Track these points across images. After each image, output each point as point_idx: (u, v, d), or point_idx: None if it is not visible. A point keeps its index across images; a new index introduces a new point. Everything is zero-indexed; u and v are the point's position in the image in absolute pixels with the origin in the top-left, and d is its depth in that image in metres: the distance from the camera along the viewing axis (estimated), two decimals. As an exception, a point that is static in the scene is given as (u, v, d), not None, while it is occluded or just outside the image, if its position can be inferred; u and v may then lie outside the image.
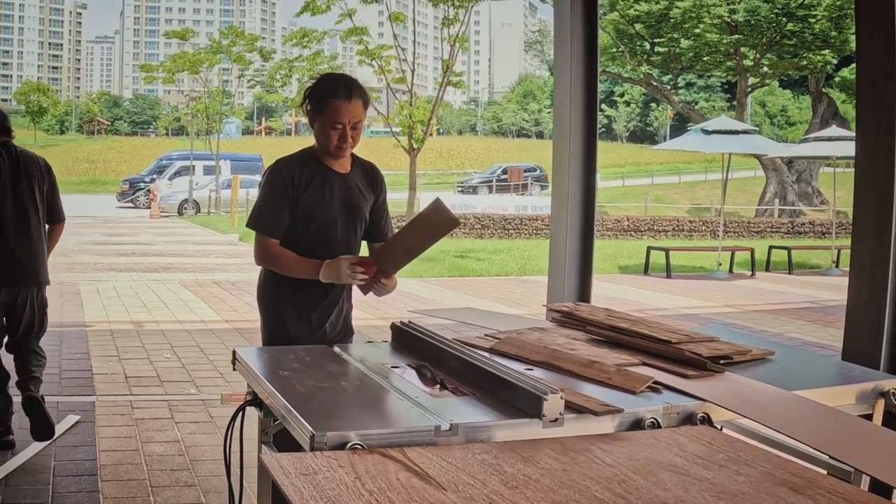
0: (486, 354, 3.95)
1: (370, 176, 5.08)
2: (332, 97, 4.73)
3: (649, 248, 24.16)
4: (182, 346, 11.56)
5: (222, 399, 8.58)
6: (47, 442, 7.04)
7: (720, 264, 23.62)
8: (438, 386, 3.58)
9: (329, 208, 4.84)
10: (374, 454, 2.79)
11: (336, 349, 4.29)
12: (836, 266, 24.27)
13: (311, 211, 4.80)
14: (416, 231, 4.58)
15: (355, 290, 4.96)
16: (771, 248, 26.33)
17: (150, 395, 9.07)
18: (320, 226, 4.83)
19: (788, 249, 25.59)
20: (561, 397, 3.13)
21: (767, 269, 25.10)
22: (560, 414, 3.13)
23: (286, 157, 4.93)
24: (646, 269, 23.45)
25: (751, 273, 23.75)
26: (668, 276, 22.40)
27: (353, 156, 5.01)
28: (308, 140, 4.95)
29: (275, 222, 4.80)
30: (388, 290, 4.77)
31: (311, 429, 2.92)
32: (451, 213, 4.47)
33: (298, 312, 4.88)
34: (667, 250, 23.32)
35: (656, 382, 3.62)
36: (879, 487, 3.41)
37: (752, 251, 24.19)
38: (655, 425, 3.29)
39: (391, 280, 4.72)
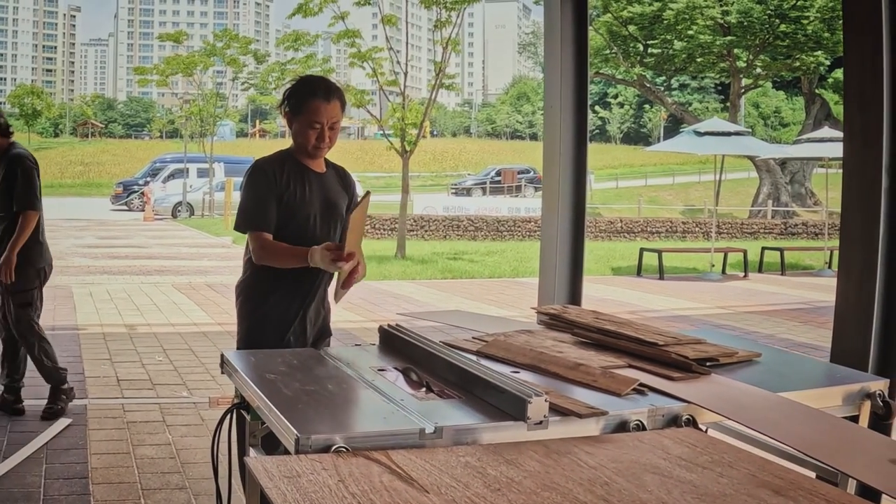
0: (473, 357, 3.97)
1: (343, 178, 5.18)
2: (311, 98, 4.82)
3: (642, 250, 24.17)
4: (174, 349, 11.56)
5: (210, 403, 8.59)
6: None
7: (713, 265, 23.64)
8: (424, 389, 3.59)
9: (310, 205, 4.90)
10: (359, 457, 2.80)
11: (323, 352, 4.30)
12: (829, 267, 24.29)
13: (292, 208, 4.85)
14: (358, 222, 4.62)
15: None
16: (764, 249, 26.33)
17: (141, 398, 9.06)
18: (301, 222, 4.88)
19: (781, 250, 25.60)
20: (545, 400, 3.14)
21: (760, 271, 25.10)
22: (544, 416, 3.13)
23: (264, 157, 5.00)
24: (639, 271, 23.46)
25: (743, 274, 23.76)
26: (661, 278, 22.41)
27: (325, 159, 5.08)
28: None
29: (265, 217, 4.83)
30: (359, 279, 4.80)
31: (295, 432, 2.93)
32: (364, 196, 4.67)
33: (279, 315, 4.92)
34: (659, 252, 23.33)
35: (642, 384, 3.63)
36: (868, 491, 3.42)
37: (745, 252, 24.19)
38: (640, 427, 3.30)
39: (360, 267, 4.75)
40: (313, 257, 4.59)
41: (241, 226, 4.89)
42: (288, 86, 5.03)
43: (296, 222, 4.86)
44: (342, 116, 4.94)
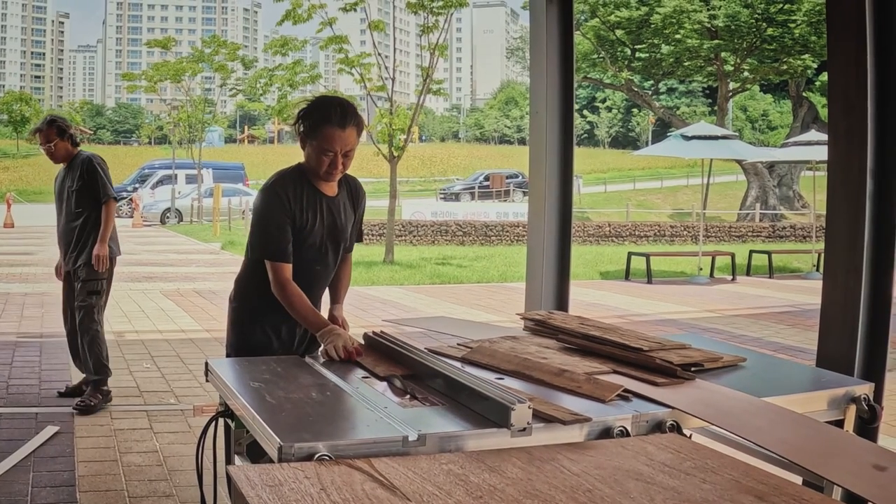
0: (458, 364, 3.96)
1: (353, 193, 5.02)
2: (325, 124, 4.59)
3: (630, 254, 24.18)
4: (162, 356, 11.54)
5: (194, 410, 8.57)
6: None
7: (701, 269, 23.64)
8: (408, 396, 3.59)
9: (317, 234, 4.78)
10: (341, 465, 2.79)
11: (308, 360, 4.29)
12: (817, 270, 24.29)
13: (301, 236, 4.73)
14: None
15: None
16: (752, 252, 26.35)
17: (129, 405, 9.04)
18: (306, 250, 4.76)
19: (769, 253, 25.63)
20: (529, 407, 3.14)
21: (748, 274, 25.12)
22: (528, 423, 3.13)
23: (280, 177, 4.78)
24: (627, 275, 23.46)
25: (731, 278, 23.77)
26: (650, 282, 22.41)
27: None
28: (290, 149, 4.87)
29: (285, 248, 4.67)
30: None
31: (278, 440, 2.93)
32: None
33: (271, 326, 4.88)
34: (648, 255, 23.35)
35: (626, 390, 3.63)
36: (854, 497, 3.41)
37: (733, 256, 24.21)
38: (624, 434, 3.30)
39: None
40: (324, 337, 4.47)
41: (262, 254, 4.73)
42: (303, 105, 4.79)
43: (303, 249, 4.75)
44: (358, 142, 4.74)
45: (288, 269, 4.68)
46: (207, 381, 4.12)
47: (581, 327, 4.59)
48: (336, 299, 5.15)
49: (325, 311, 4.96)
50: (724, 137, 24.07)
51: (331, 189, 4.84)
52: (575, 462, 2.91)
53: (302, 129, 4.70)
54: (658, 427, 3.39)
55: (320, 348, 4.50)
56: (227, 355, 4.93)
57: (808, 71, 50.71)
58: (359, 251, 4.71)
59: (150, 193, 49.81)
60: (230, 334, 5.01)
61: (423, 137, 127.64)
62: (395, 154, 26.31)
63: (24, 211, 45.07)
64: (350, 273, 5.29)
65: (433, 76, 27.43)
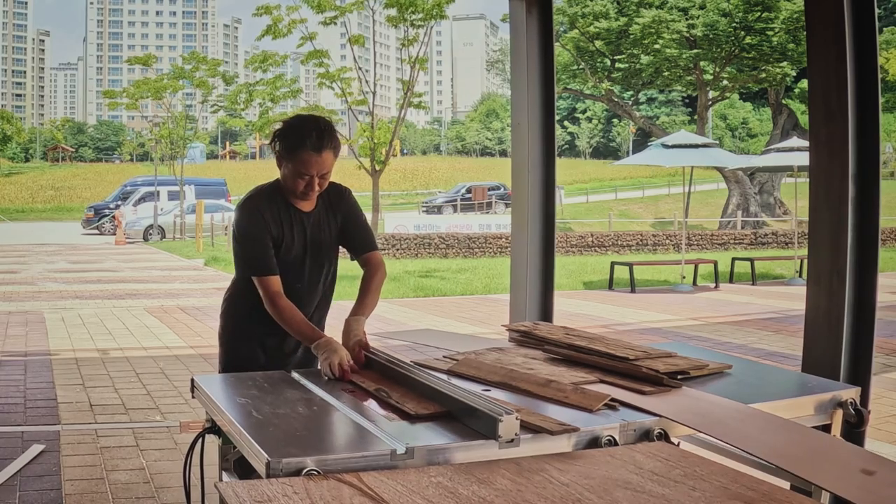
0: (444, 376, 3.95)
1: (333, 203, 4.88)
2: (301, 148, 4.53)
3: (613, 263, 24.17)
4: (147, 373, 11.49)
5: (181, 427, 8.54)
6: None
7: (684, 277, 23.64)
8: (395, 409, 3.57)
9: (296, 250, 4.73)
10: (330, 480, 2.78)
11: (294, 375, 4.27)
12: (800, 276, 24.30)
13: (280, 253, 4.67)
14: None
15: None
16: (734, 259, 26.38)
17: (115, 423, 9.00)
18: (286, 266, 4.69)
19: (751, 260, 25.66)
20: (516, 418, 3.13)
21: (731, 281, 25.14)
22: (516, 434, 3.13)
23: (255, 193, 4.75)
24: (610, 285, 23.44)
25: (714, 285, 23.79)
26: (633, 291, 22.40)
27: None
28: (272, 164, 4.79)
29: (268, 260, 4.62)
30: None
31: (266, 456, 2.92)
32: None
33: (258, 340, 4.83)
34: (631, 265, 23.34)
35: (613, 400, 3.62)
36: (841, 502, 3.41)
37: (716, 263, 24.24)
38: (612, 443, 3.30)
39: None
40: (319, 350, 4.38)
41: (250, 272, 4.68)
42: (279, 125, 4.73)
43: (280, 268, 4.66)
44: (335, 162, 4.65)
45: (276, 281, 4.61)
46: (193, 397, 4.10)
47: (566, 337, 4.59)
48: (356, 310, 4.80)
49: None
50: (705, 146, 24.09)
51: (306, 205, 4.78)
52: (563, 472, 2.91)
53: (278, 148, 4.65)
54: (646, 436, 3.39)
55: (317, 364, 4.45)
56: (220, 372, 4.89)
57: (787, 78, 50.87)
58: (341, 265, 4.54)
59: (133, 210, 49.69)
60: (219, 350, 4.98)
61: (405, 151, 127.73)
62: (378, 168, 26.34)
63: (6, 229, 44.95)
64: (377, 278, 4.99)
65: (414, 89, 27.46)
